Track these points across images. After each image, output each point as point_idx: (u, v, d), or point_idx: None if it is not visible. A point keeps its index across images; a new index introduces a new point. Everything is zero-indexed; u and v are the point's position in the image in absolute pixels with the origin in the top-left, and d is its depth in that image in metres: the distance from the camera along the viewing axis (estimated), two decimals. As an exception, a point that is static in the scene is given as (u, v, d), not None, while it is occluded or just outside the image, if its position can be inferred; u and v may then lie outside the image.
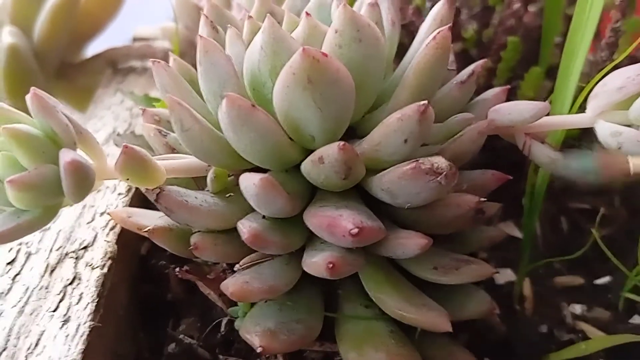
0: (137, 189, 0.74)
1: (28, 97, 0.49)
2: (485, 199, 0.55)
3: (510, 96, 0.76)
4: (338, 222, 0.50)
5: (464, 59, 0.81)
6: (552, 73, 0.65)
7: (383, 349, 0.55)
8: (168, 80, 0.59)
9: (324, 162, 0.51)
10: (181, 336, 0.66)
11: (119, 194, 0.74)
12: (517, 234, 0.82)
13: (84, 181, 0.48)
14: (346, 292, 0.60)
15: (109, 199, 0.73)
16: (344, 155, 0.49)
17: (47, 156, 0.49)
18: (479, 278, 0.58)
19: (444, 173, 0.49)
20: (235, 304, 0.62)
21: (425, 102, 0.48)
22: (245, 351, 0.63)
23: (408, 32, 0.80)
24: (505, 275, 0.77)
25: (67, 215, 0.70)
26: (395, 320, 0.56)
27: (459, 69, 0.64)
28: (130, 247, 0.71)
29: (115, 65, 1.11)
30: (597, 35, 0.78)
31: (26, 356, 0.54)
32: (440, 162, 0.49)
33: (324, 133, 0.52)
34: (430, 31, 0.57)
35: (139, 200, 0.73)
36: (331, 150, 0.50)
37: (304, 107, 0.50)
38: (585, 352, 0.63)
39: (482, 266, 0.58)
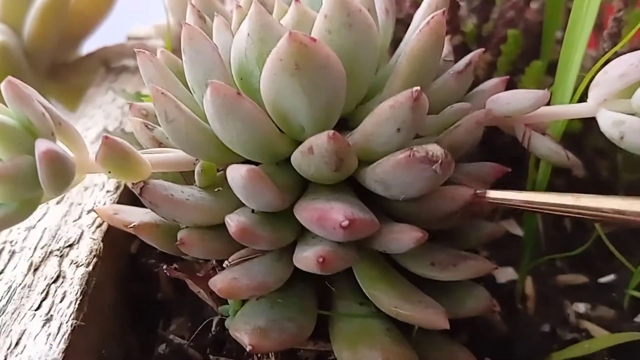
0: (126, 186, 0.72)
1: (3, 86, 0.47)
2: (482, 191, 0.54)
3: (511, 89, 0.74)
4: (328, 214, 0.48)
5: (463, 53, 0.79)
6: (553, 68, 0.64)
7: (378, 347, 0.53)
8: (153, 72, 0.57)
9: (314, 152, 0.49)
10: (171, 336, 0.65)
11: (107, 191, 0.72)
12: (519, 231, 0.80)
13: (61, 172, 0.46)
14: (340, 289, 0.58)
15: (97, 197, 0.71)
16: (334, 145, 0.47)
17: (23, 147, 0.47)
18: (478, 274, 0.56)
19: (439, 161, 0.47)
20: (226, 302, 0.60)
21: (418, 88, 0.46)
22: (236, 351, 0.61)
23: (405, 25, 0.79)
24: (506, 274, 0.75)
25: (54, 213, 0.69)
26: (391, 318, 0.54)
27: (458, 61, 0.62)
28: (119, 245, 0.69)
29: (108, 64, 1.09)
30: (600, 27, 0.76)
31: (5, 356, 0.52)
32: (435, 149, 0.47)
33: (314, 123, 0.50)
34: (425, 17, 0.55)
35: (128, 198, 0.72)
36: (320, 140, 0.48)
37: (292, 95, 0.48)
38: (588, 351, 0.62)
39: (480, 262, 0.56)
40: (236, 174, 0.48)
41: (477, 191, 0.52)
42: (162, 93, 0.51)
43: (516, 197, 0.52)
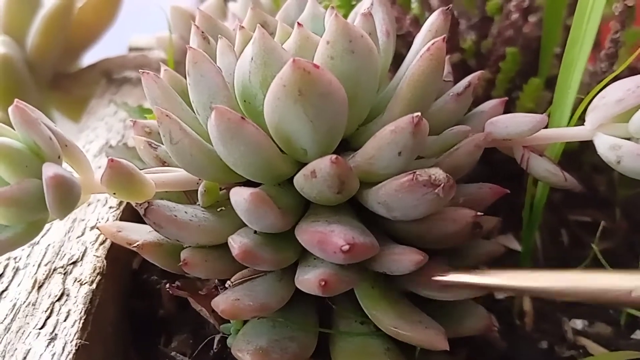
0: (128, 202, 0.73)
1: (10, 110, 0.48)
2: (483, 213, 0.54)
3: (510, 107, 0.75)
4: (329, 238, 0.48)
5: (462, 70, 0.80)
6: (552, 83, 0.64)
7: (377, 367, 0.54)
8: (158, 92, 0.58)
9: (317, 176, 0.49)
10: (173, 353, 0.65)
11: (110, 207, 0.72)
12: (517, 246, 0.80)
13: (67, 196, 0.47)
14: (341, 307, 0.59)
15: (100, 213, 0.71)
16: (336, 169, 0.48)
17: (31, 170, 0.47)
18: (477, 294, 0.56)
19: (442, 185, 0.48)
20: (227, 320, 0.60)
21: (419, 113, 0.47)
22: (238, 369, 0.62)
23: (405, 42, 0.79)
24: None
25: (57, 229, 0.69)
26: (391, 337, 0.54)
27: (459, 79, 0.62)
28: (121, 262, 0.70)
29: (109, 75, 1.10)
30: (598, 45, 0.77)
31: (11, 376, 0.53)
32: (437, 173, 0.48)
33: (316, 146, 0.51)
34: (425, 42, 0.56)
35: (131, 213, 0.72)
36: (323, 164, 0.48)
37: (295, 120, 0.48)
38: (586, 370, 0.62)
39: (479, 282, 0.57)
40: (239, 197, 0.49)
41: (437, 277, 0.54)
42: (167, 115, 0.51)
43: (475, 279, 0.53)
